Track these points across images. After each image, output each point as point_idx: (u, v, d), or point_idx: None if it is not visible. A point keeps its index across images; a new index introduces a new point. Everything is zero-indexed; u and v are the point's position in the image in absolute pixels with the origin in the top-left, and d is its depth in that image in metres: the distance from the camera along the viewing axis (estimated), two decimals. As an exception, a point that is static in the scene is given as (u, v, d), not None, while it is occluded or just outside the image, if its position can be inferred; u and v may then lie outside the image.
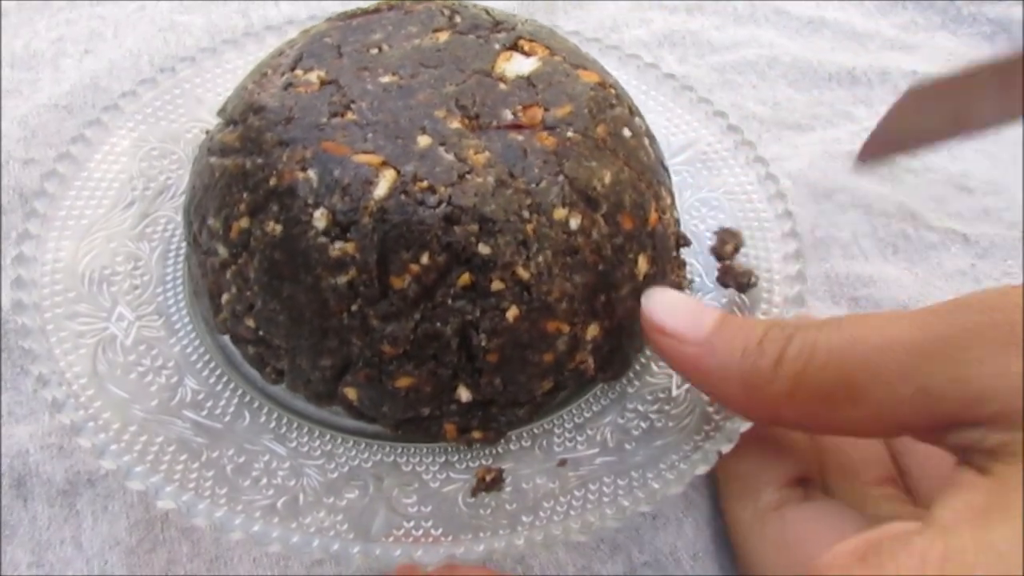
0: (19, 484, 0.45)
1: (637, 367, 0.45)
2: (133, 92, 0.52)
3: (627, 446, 0.41)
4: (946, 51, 0.70)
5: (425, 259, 0.36)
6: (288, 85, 0.40)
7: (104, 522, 0.44)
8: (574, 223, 0.38)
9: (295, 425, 0.41)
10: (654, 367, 0.45)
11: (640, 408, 0.43)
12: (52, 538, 0.43)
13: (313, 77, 0.41)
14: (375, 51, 0.42)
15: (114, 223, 0.47)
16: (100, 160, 0.49)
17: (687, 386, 0.43)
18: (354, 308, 0.37)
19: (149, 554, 0.43)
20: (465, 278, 0.37)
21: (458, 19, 0.45)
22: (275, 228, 0.38)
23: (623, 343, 0.42)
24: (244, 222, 0.39)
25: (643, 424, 0.42)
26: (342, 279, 0.37)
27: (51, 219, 0.46)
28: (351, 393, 0.39)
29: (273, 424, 0.41)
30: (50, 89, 0.62)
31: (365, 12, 0.45)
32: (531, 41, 0.44)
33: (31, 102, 0.61)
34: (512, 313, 0.37)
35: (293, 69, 0.41)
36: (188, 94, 0.53)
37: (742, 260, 0.48)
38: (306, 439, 0.41)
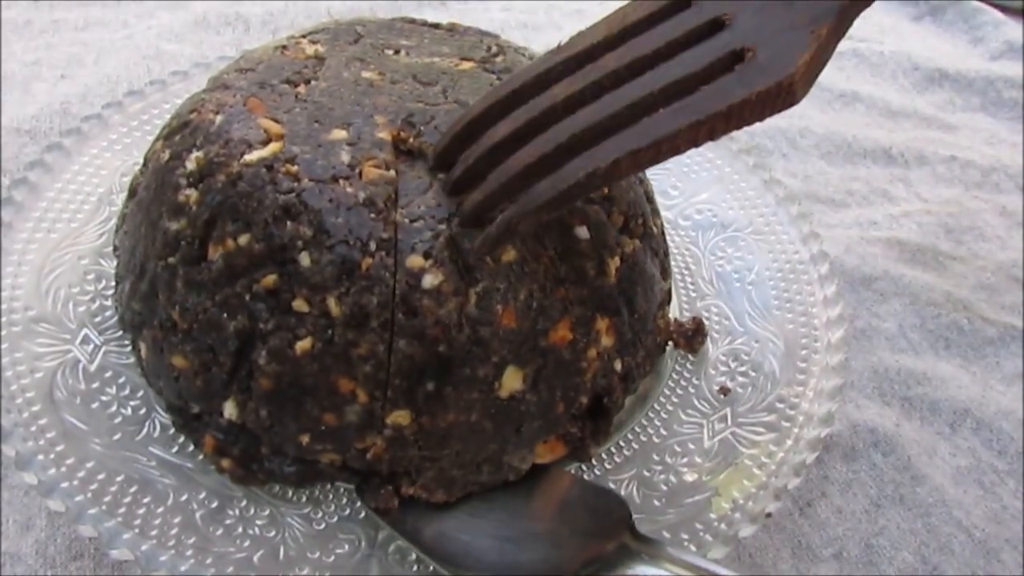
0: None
1: (664, 414, 0.40)
2: (119, 103, 0.48)
3: (655, 503, 0.36)
4: (986, 134, 0.67)
5: (244, 240, 0.33)
6: (283, 47, 0.40)
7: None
8: (429, 281, 0.32)
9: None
10: (682, 415, 0.40)
11: (668, 460, 0.38)
12: None
13: (310, 49, 0.40)
14: (391, 52, 0.41)
15: (87, 239, 0.43)
16: (77, 171, 0.45)
17: (720, 437, 0.39)
18: (171, 260, 0.34)
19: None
20: (270, 280, 0.32)
21: (499, 59, 0.42)
22: (163, 156, 0.37)
23: (444, 456, 0.34)
24: (158, 144, 0.38)
25: (672, 478, 0.37)
26: (174, 225, 0.35)
27: (16, 230, 0.41)
28: (142, 349, 0.36)
29: (252, 465, 0.36)
30: (15, 112, 0.58)
31: (427, 23, 0.44)
32: None
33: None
34: (303, 345, 0.32)
35: (305, 36, 0.41)
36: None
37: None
38: (289, 483, 0.36)
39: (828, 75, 0.70)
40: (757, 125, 0.69)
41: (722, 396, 0.41)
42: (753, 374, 0.41)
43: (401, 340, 0.32)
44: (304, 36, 0.42)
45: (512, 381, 0.34)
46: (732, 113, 0.29)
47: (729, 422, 0.39)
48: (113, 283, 0.41)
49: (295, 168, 0.34)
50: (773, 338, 0.43)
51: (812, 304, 0.44)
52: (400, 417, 0.33)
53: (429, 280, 0.32)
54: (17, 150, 0.56)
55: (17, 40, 0.65)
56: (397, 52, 0.41)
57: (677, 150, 0.29)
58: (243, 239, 0.33)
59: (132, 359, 0.38)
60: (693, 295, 0.46)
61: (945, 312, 0.54)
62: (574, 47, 0.33)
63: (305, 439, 0.33)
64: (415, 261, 0.32)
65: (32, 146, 0.56)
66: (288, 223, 0.33)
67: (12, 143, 0.56)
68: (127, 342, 0.39)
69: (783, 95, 0.28)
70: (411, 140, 0.36)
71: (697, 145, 0.29)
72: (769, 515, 0.35)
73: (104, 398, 0.37)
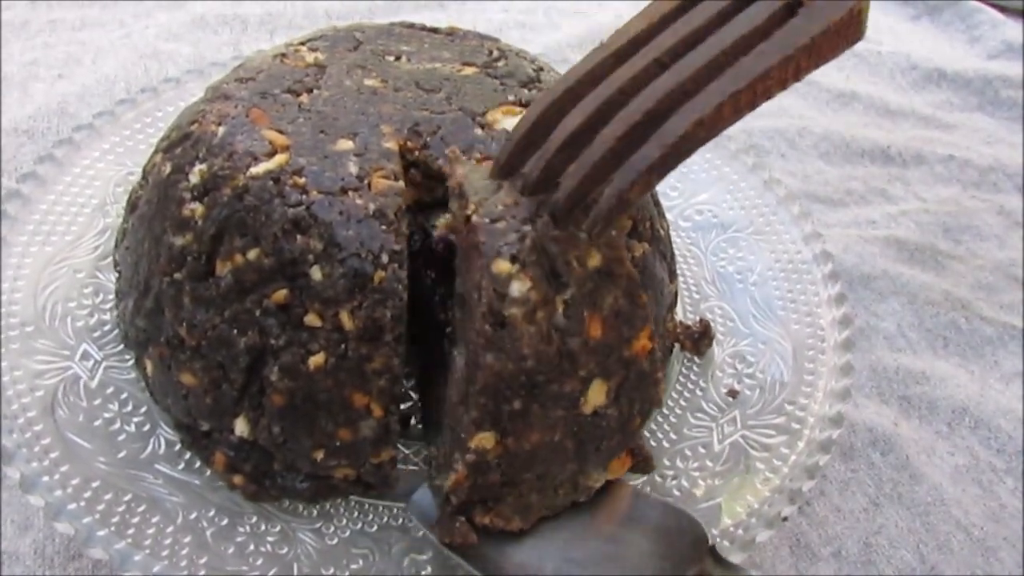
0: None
1: (672, 418, 0.40)
2: (111, 112, 0.47)
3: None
4: (984, 133, 0.68)
5: (252, 255, 0.32)
6: (282, 55, 0.40)
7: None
8: (518, 288, 0.30)
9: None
10: (690, 419, 0.40)
11: (679, 465, 0.38)
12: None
13: (309, 57, 0.40)
14: (391, 58, 0.40)
15: (82, 252, 0.42)
16: (70, 183, 0.44)
17: (730, 440, 0.39)
18: (177, 276, 0.34)
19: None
20: (281, 295, 0.32)
21: (500, 63, 0.42)
22: (164, 169, 0.36)
23: (524, 480, 0.32)
24: (157, 157, 0.37)
25: (684, 483, 0.37)
26: (179, 241, 0.34)
27: (11, 244, 0.41)
28: (148, 367, 0.36)
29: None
30: (13, 112, 0.58)
31: (426, 27, 0.44)
32: None
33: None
34: (316, 360, 0.32)
35: (304, 44, 0.41)
36: (171, 117, 0.48)
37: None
38: (298, 497, 0.35)
39: (826, 75, 0.71)
40: (755, 125, 0.69)
41: (730, 399, 0.41)
42: (760, 376, 0.41)
43: (488, 355, 0.30)
44: (303, 43, 0.41)
45: (597, 396, 0.32)
46: (814, 46, 0.30)
47: (738, 425, 0.39)
48: (111, 296, 0.40)
49: (303, 180, 0.33)
50: (779, 339, 0.43)
51: (816, 304, 0.44)
52: (484, 440, 0.31)
53: (517, 287, 0.30)
54: (15, 150, 0.55)
55: (15, 40, 0.64)
56: (398, 58, 0.40)
57: (770, 92, 0.30)
58: (252, 254, 0.32)
59: (133, 374, 0.38)
60: (696, 296, 0.46)
61: (943, 311, 0.54)
62: (619, 40, 0.32)
63: (319, 455, 0.33)
64: (502, 266, 0.30)
65: (30, 146, 0.55)
66: (298, 236, 0.32)
67: (11, 143, 0.55)
68: (127, 357, 0.38)
69: (853, 25, 0.30)
70: (420, 150, 0.36)
71: (785, 86, 0.30)
72: (785, 519, 0.35)
73: (107, 415, 0.36)
